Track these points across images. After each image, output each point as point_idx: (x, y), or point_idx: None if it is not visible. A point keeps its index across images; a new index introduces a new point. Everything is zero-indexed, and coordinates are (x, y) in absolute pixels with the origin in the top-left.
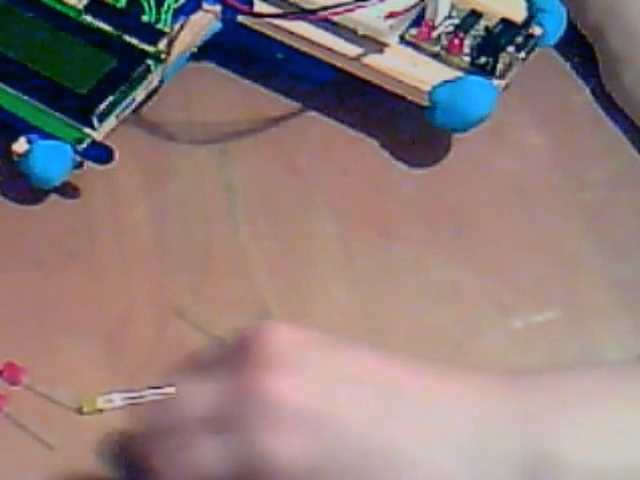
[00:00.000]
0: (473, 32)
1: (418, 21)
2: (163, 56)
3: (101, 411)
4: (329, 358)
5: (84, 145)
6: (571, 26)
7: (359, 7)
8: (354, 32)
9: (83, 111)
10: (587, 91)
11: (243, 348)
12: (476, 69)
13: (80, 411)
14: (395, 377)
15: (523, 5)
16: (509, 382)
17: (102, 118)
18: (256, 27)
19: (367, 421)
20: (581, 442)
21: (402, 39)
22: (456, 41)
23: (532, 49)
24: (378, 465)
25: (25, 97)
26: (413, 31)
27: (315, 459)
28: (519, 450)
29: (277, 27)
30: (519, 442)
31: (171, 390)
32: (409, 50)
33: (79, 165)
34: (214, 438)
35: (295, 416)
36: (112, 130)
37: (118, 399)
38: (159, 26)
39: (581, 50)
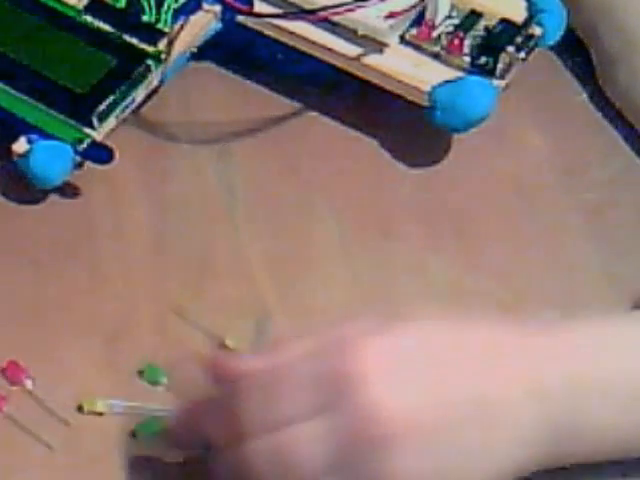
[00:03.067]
0: (473, 32)
1: (418, 21)
2: (163, 56)
3: (100, 414)
4: (409, 365)
5: (84, 145)
6: (571, 26)
7: (359, 7)
8: (354, 32)
9: (83, 111)
10: (587, 91)
11: (333, 378)
12: (476, 69)
13: (80, 409)
14: (462, 350)
15: (523, 5)
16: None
17: (102, 118)
18: (256, 27)
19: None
20: (605, 408)
21: (402, 39)
22: (456, 41)
23: (532, 49)
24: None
25: (25, 97)
26: (413, 31)
27: (434, 463)
28: (550, 415)
29: (277, 27)
30: (550, 407)
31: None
32: (409, 50)
33: (79, 165)
34: (332, 478)
35: (402, 439)
36: (112, 130)
37: (119, 406)
38: (159, 26)
39: (581, 50)
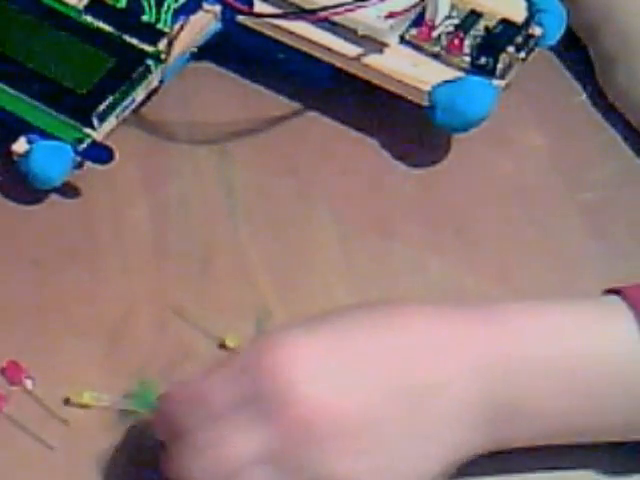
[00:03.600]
0: (473, 32)
1: (418, 21)
2: (163, 56)
3: (87, 406)
4: (338, 359)
5: (84, 145)
6: (570, 27)
7: (359, 7)
8: (354, 32)
9: (83, 111)
10: (587, 91)
11: (263, 385)
12: (476, 69)
13: (66, 402)
14: (396, 341)
15: (523, 5)
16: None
17: (102, 118)
18: (256, 27)
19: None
20: (548, 389)
21: (402, 39)
22: (456, 41)
23: (532, 49)
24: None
25: (25, 97)
26: (413, 31)
27: (371, 453)
28: (494, 398)
29: (277, 27)
30: (493, 390)
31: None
32: (409, 50)
33: (79, 165)
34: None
35: (336, 432)
36: (112, 130)
37: (105, 400)
38: (159, 26)
39: (581, 50)
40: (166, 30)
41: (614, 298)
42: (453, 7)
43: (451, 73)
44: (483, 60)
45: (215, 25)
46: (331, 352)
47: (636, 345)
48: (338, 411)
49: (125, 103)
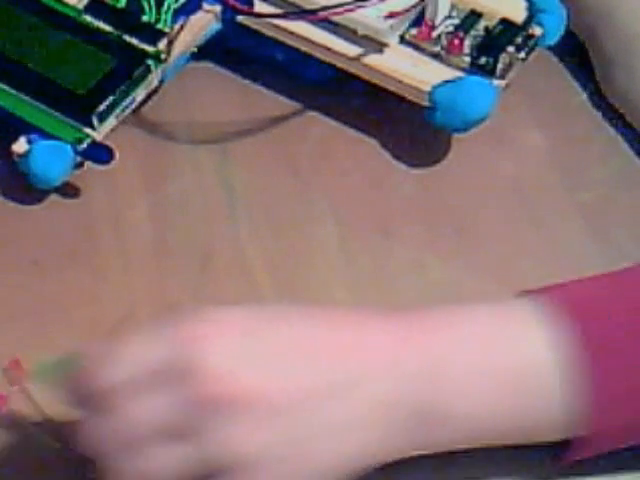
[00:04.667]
0: (473, 32)
1: (418, 21)
2: (163, 56)
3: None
4: (258, 340)
5: (84, 145)
6: (570, 27)
7: (359, 7)
8: (354, 32)
9: (83, 111)
10: (587, 92)
11: (177, 353)
12: (476, 69)
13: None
14: (321, 335)
15: (523, 5)
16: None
17: (102, 118)
18: (256, 27)
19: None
20: (471, 394)
21: (402, 39)
22: (456, 41)
23: (532, 49)
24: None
25: (25, 97)
26: (413, 31)
27: (277, 436)
28: (414, 402)
29: (277, 27)
30: (414, 394)
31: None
32: (409, 50)
33: (79, 165)
34: (174, 447)
35: (248, 407)
36: (112, 130)
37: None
38: (159, 26)
39: (581, 50)
40: (166, 30)
41: (537, 301)
42: (453, 7)
43: (451, 73)
44: (483, 60)
45: (215, 25)
46: (252, 333)
47: (547, 352)
48: (250, 390)
49: (125, 103)
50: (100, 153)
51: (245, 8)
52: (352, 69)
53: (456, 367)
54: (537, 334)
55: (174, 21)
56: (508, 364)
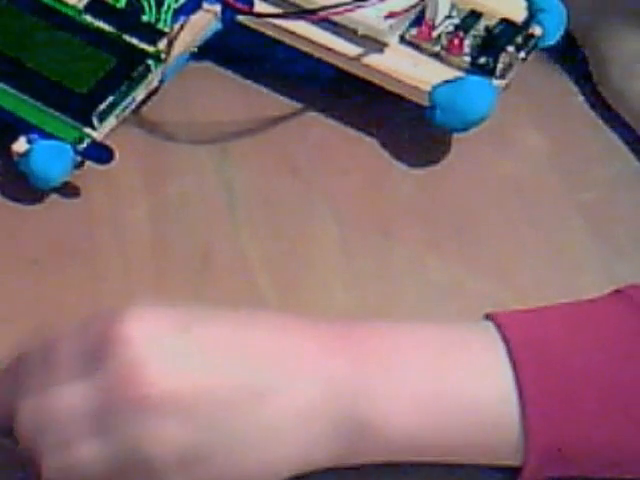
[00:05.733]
0: (473, 32)
1: (418, 21)
2: (163, 56)
3: None
4: (182, 339)
5: (84, 145)
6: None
7: (359, 7)
8: (354, 32)
9: (83, 111)
10: (587, 92)
11: (99, 343)
12: (476, 69)
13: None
14: (248, 338)
15: (523, 5)
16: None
17: (102, 118)
18: (256, 27)
19: (230, 388)
20: (395, 409)
21: (402, 39)
22: (456, 41)
23: (532, 49)
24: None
25: (25, 97)
26: (413, 31)
27: (193, 438)
28: (339, 413)
29: (277, 27)
30: (339, 405)
31: None
32: (409, 50)
33: (79, 165)
34: (95, 443)
35: (161, 406)
36: (112, 130)
37: None
38: (159, 26)
39: (580, 50)
40: (166, 30)
41: (489, 325)
42: (453, 7)
43: (451, 73)
44: (483, 60)
45: (215, 25)
46: (173, 333)
47: (495, 379)
48: (165, 389)
49: (125, 103)
50: (100, 153)
51: (245, 8)
52: (352, 69)
53: (381, 382)
54: (484, 361)
55: (174, 21)
56: (441, 385)
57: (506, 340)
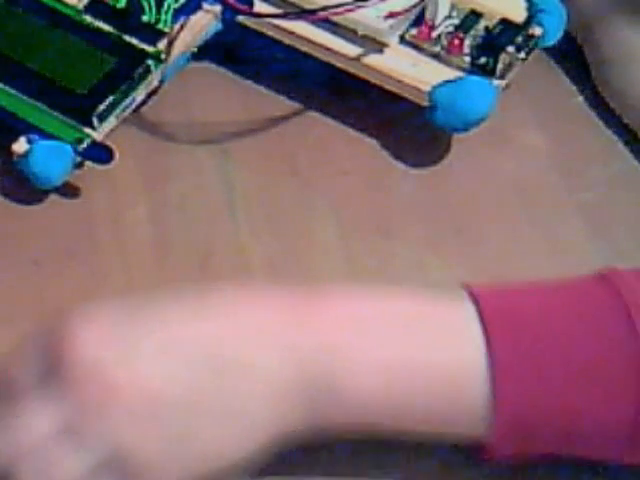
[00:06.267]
0: (473, 32)
1: (418, 21)
2: (163, 56)
3: None
4: (134, 335)
5: (84, 145)
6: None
7: (359, 7)
8: (354, 32)
9: (83, 111)
10: (587, 92)
11: (51, 356)
12: (476, 69)
13: None
14: (202, 321)
15: (523, 5)
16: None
17: (102, 118)
18: (256, 27)
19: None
20: (356, 371)
21: (402, 39)
22: (456, 41)
23: (532, 49)
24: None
25: (25, 97)
26: (413, 31)
27: (167, 427)
28: (306, 378)
29: (277, 27)
30: (305, 370)
31: None
32: (409, 50)
33: (79, 165)
34: (72, 455)
35: (130, 404)
36: (112, 130)
37: None
38: (159, 26)
39: (580, 51)
40: (166, 30)
41: (462, 294)
42: (453, 7)
43: (451, 73)
44: (483, 60)
45: (215, 25)
46: (124, 325)
47: (469, 352)
48: (123, 385)
49: (125, 103)
50: (100, 153)
51: (245, 8)
52: (352, 69)
53: (355, 351)
54: (455, 327)
55: (174, 21)
56: (409, 352)
57: (479, 309)
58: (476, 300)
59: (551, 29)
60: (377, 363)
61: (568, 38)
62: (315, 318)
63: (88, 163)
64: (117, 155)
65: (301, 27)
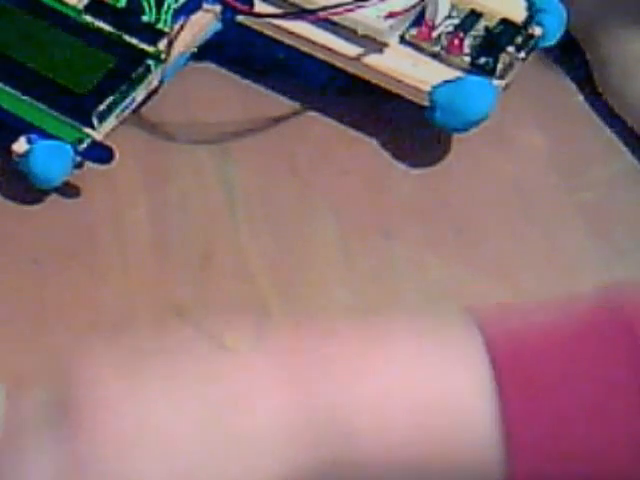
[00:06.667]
0: (473, 32)
1: (418, 21)
2: (163, 56)
3: None
4: (136, 392)
5: (84, 145)
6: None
7: (359, 7)
8: (354, 32)
9: (83, 111)
10: (587, 92)
11: (66, 404)
12: (476, 69)
13: None
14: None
15: (523, 5)
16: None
17: (102, 118)
18: (256, 27)
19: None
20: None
21: (402, 39)
22: (456, 41)
23: (532, 49)
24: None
25: (25, 97)
26: (413, 31)
27: (173, 468)
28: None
29: (277, 27)
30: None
31: None
32: (409, 50)
33: (79, 165)
34: None
35: (144, 442)
36: (112, 130)
37: None
38: (159, 26)
39: (581, 50)
40: (166, 30)
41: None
42: (453, 7)
43: (451, 73)
44: (483, 60)
45: (215, 25)
46: (140, 379)
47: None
48: (139, 421)
49: (125, 103)
50: (100, 153)
51: (245, 8)
52: (352, 69)
53: (351, 395)
54: (471, 369)
55: (174, 21)
56: (430, 393)
57: (491, 358)
58: (493, 358)
59: (551, 29)
60: (391, 404)
61: (568, 38)
62: (316, 387)
63: (88, 163)
64: (117, 155)
65: (301, 27)
